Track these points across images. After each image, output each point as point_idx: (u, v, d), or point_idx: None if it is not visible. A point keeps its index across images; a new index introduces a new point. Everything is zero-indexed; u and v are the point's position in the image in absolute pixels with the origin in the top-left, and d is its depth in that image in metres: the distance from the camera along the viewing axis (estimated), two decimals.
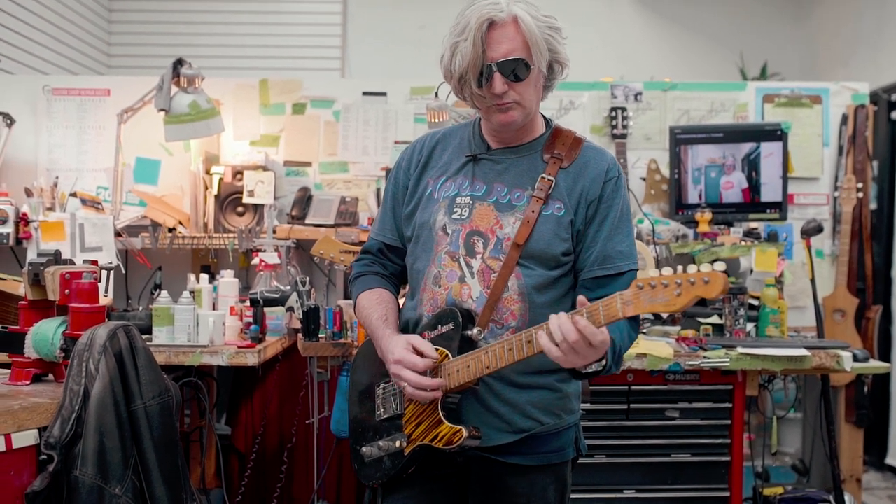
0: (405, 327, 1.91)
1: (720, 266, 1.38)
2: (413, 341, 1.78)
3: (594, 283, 1.79)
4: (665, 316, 3.19)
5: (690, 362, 2.89)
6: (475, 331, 1.75)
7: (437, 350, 1.76)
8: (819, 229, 3.36)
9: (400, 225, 1.97)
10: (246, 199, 3.73)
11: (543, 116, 1.92)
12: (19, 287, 2.76)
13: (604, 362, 1.65)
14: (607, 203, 1.82)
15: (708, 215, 3.52)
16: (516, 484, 1.84)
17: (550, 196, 1.80)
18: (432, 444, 1.75)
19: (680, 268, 1.43)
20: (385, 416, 1.86)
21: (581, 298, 1.59)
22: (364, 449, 1.88)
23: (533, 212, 1.79)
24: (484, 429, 1.78)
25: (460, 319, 1.75)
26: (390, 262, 2.02)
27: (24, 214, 3.44)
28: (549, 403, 1.83)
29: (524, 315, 1.78)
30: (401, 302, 2.01)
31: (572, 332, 1.53)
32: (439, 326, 1.79)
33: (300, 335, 3.01)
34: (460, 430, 1.72)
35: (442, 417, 1.74)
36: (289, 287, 3.27)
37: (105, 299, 2.94)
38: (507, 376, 1.76)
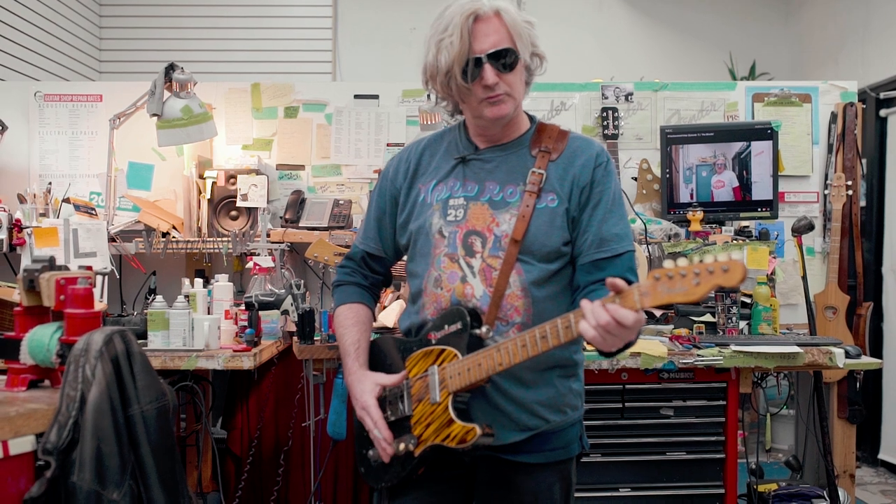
0: (407, 332, 1.93)
1: (737, 255, 1.38)
2: (380, 380, 1.86)
3: (592, 267, 1.79)
4: (658, 314, 3.20)
5: (684, 360, 2.90)
6: (484, 329, 1.75)
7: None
8: (810, 227, 3.38)
9: (385, 235, 1.99)
10: (239, 203, 3.73)
11: (527, 114, 1.94)
12: (14, 293, 2.76)
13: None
14: (599, 187, 1.83)
15: (699, 214, 3.55)
16: (523, 482, 1.86)
17: (542, 189, 1.81)
18: (444, 443, 1.74)
19: (697, 258, 1.42)
20: (393, 419, 1.85)
21: (583, 302, 1.53)
22: (371, 452, 1.86)
23: (527, 206, 1.79)
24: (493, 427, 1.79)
25: (467, 318, 1.75)
26: (371, 272, 2.06)
27: (18, 221, 3.43)
28: (555, 401, 1.84)
29: (528, 309, 1.79)
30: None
31: (604, 317, 1.48)
32: (446, 326, 1.79)
33: (295, 338, 3.01)
34: (473, 427, 1.70)
35: (453, 417, 1.73)
36: (283, 290, 3.27)
37: (100, 304, 2.95)
38: (514, 374, 1.75)
